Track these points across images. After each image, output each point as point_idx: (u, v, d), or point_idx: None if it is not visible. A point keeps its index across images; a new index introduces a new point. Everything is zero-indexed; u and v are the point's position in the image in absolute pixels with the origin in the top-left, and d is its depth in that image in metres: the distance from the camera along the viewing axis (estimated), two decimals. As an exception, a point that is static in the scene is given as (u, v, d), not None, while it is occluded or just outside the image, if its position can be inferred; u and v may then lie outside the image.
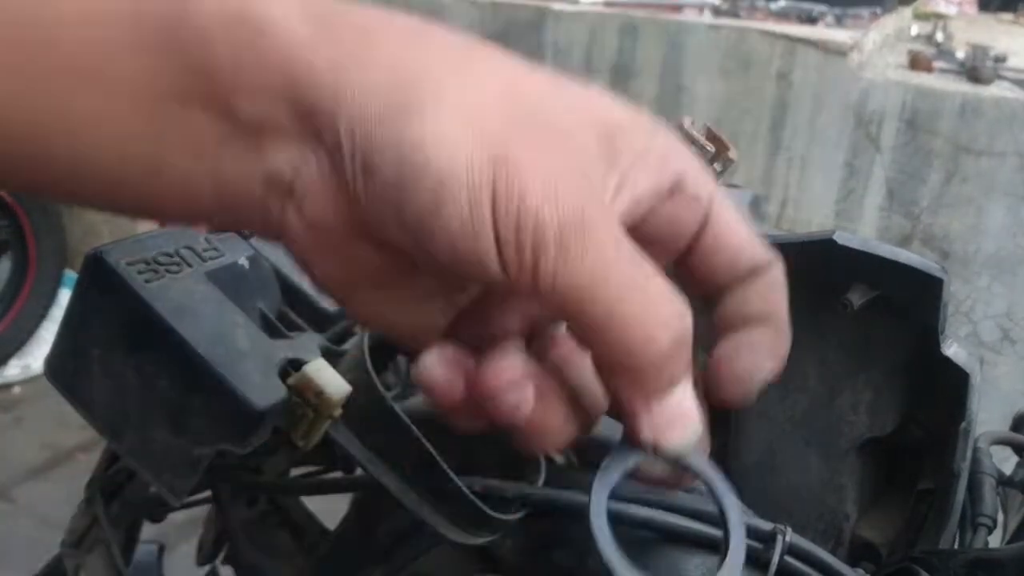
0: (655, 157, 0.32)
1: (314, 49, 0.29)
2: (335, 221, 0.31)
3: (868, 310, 0.69)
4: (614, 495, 0.35)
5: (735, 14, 3.07)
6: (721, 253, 0.35)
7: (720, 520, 0.36)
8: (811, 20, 3.08)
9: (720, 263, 0.35)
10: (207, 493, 0.69)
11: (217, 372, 0.42)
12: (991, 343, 2.54)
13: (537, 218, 0.28)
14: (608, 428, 0.52)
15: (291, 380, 0.46)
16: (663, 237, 0.34)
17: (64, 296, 3.21)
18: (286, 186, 0.31)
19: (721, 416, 0.83)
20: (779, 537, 0.47)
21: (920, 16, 3.62)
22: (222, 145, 0.30)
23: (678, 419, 0.32)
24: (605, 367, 0.32)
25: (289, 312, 0.58)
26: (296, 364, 0.47)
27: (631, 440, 0.33)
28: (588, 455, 0.59)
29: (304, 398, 0.46)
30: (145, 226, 3.24)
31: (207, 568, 0.78)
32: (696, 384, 0.33)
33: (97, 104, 0.29)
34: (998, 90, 2.54)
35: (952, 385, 0.67)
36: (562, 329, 0.35)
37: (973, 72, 2.62)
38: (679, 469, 0.35)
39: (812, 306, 0.73)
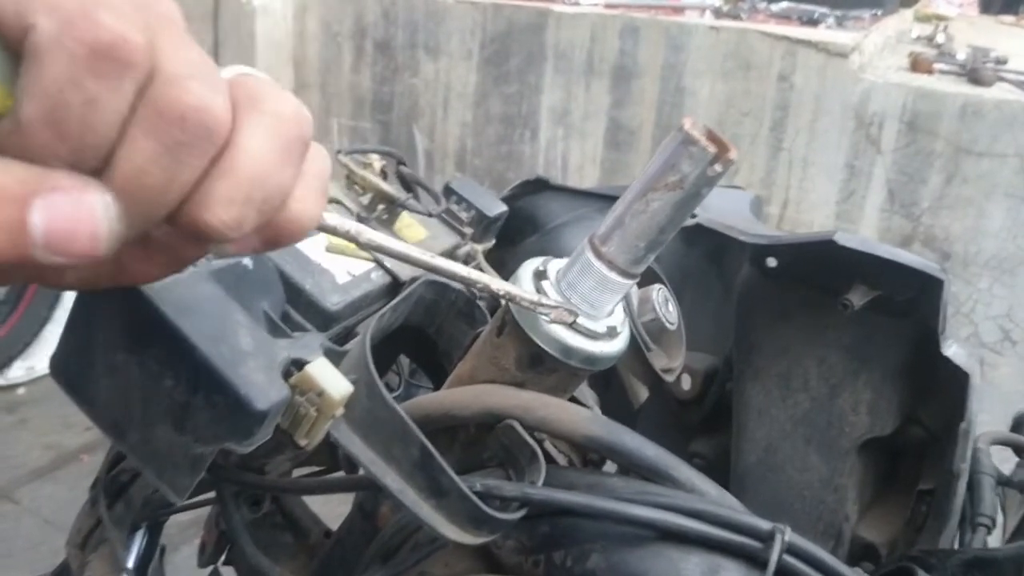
0: None
1: None
2: None
3: (868, 311, 0.70)
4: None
5: (736, 16, 3.07)
6: None
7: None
8: (812, 22, 3.08)
9: None
10: (211, 494, 0.69)
11: (220, 371, 0.42)
12: (992, 344, 2.54)
13: None
14: (603, 427, 0.52)
15: (293, 379, 0.46)
16: None
17: (67, 298, 3.21)
18: None
19: (723, 416, 0.84)
20: (778, 536, 0.47)
21: (921, 18, 3.62)
22: None
23: None
24: None
25: (292, 312, 0.58)
26: (299, 364, 0.47)
27: None
28: (588, 456, 0.59)
29: (306, 397, 0.46)
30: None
31: (209, 569, 0.78)
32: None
33: None
34: (999, 92, 2.54)
35: (952, 385, 0.67)
36: None
37: (974, 74, 2.62)
38: None
39: (813, 306, 0.74)
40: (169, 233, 0.34)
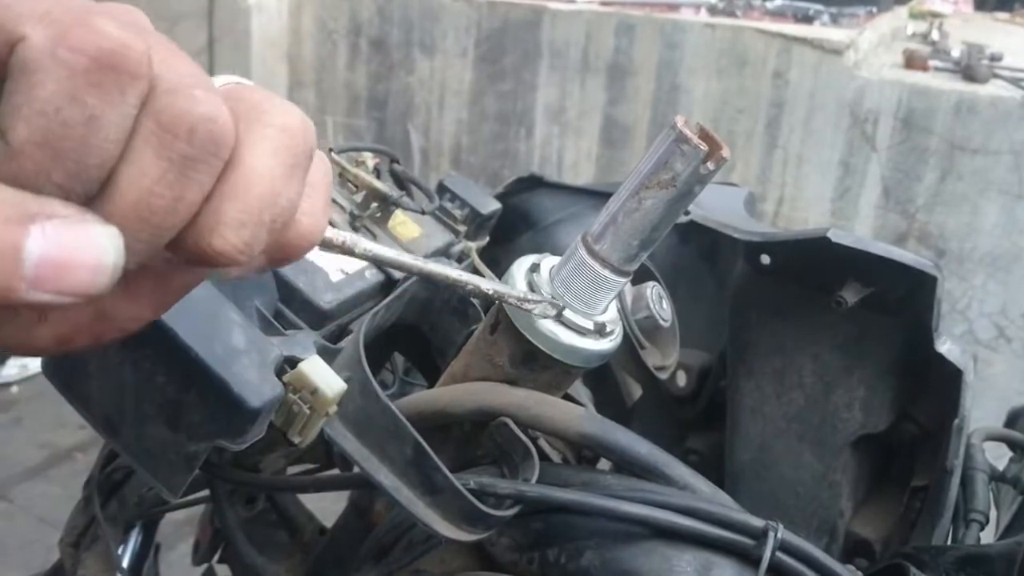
0: None
1: None
2: None
3: (862, 308, 0.70)
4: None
5: (731, 13, 3.07)
6: None
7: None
8: (807, 19, 3.09)
9: None
10: (205, 492, 0.69)
11: (213, 369, 0.42)
12: (987, 341, 2.54)
13: None
14: (597, 425, 0.52)
15: (287, 377, 0.46)
16: None
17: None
18: None
19: (719, 413, 0.84)
20: (771, 533, 0.48)
21: (916, 15, 3.63)
22: None
23: None
24: None
25: (285, 310, 0.58)
26: (292, 362, 0.47)
27: None
28: (582, 453, 0.59)
29: (300, 395, 0.46)
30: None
31: (203, 567, 0.78)
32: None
33: None
34: (993, 89, 2.55)
35: (945, 382, 0.67)
36: None
37: (968, 71, 2.62)
38: None
39: (807, 303, 0.74)
40: (165, 262, 0.32)
